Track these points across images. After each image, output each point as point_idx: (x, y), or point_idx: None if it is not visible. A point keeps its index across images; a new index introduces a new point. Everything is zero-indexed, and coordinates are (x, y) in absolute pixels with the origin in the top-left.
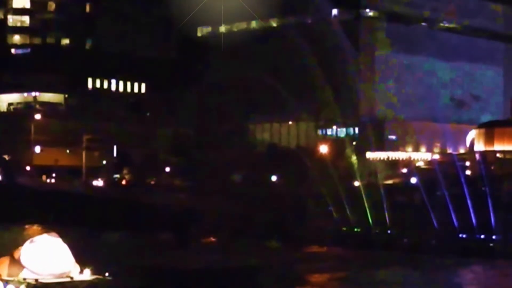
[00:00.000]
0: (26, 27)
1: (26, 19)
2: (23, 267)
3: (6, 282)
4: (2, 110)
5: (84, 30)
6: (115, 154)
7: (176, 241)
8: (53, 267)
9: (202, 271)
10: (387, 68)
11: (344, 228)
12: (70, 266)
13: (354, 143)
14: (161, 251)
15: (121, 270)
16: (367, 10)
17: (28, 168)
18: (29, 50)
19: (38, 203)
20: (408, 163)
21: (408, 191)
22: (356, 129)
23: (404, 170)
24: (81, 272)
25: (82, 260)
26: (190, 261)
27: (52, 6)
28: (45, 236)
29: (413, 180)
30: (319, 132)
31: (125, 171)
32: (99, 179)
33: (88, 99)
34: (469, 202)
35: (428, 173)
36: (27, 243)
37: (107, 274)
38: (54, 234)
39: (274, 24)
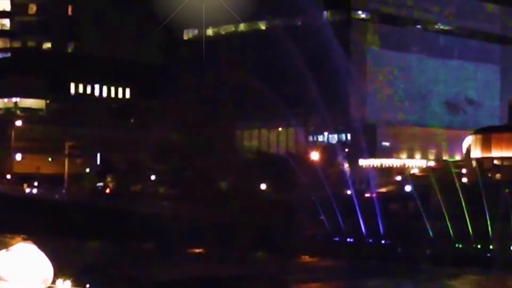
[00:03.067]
0: (6, 31)
1: (6, 22)
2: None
3: None
4: None
5: (66, 33)
6: (98, 162)
7: (160, 251)
8: (31, 275)
9: (186, 282)
10: (379, 71)
11: (336, 238)
12: (48, 274)
13: (346, 149)
14: (145, 261)
15: (103, 281)
16: (359, 12)
17: (8, 176)
18: (9, 54)
19: (19, 212)
20: (402, 170)
21: (402, 200)
22: (348, 135)
23: (398, 178)
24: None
25: (62, 270)
26: (173, 272)
27: (33, 8)
28: (20, 244)
29: (408, 188)
30: (310, 138)
31: (108, 179)
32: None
33: (70, 105)
34: (465, 210)
35: (423, 180)
36: (1, 253)
37: (88, 286)
38: (30, 242)
39: (263, 27)
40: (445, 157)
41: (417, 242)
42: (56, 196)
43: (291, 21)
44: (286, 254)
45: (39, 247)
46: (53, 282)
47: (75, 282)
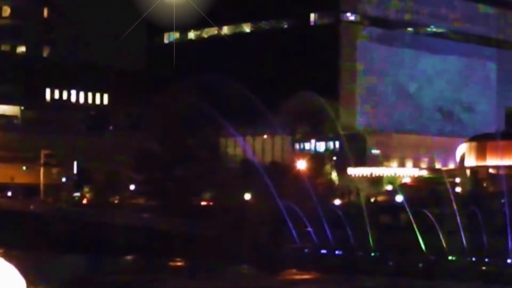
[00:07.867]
0: None
1: None
2: None
3: None
4: None
5: (41, 37)
6: (75, 171)
7: (139, 265)
8: None
9: None
10: (369, 76)
11: (324, 251)
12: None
13: (334, 158)
14: (122, 276)
15: None
16: (348, 14)
17: None
18: None
19: None
20: (393, 179)
21: (394, 210)
22: (337, 143)
23: (389, 187)
24: None
25: (35, 285)
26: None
27: (7, 11)
28: None
29: (399, 198)
30: (296, 146)
31: (86, 189)
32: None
33: (46, 112)
34: (459, 222)
35: (415, 190)
36: None
37: None
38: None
39: (247, 29)
40: (438, 166)
41: (408, 255)
42: (31, 207)
43: (277, 24)
44: (272, 268)
45: (10, 260)
46: None
47: None
